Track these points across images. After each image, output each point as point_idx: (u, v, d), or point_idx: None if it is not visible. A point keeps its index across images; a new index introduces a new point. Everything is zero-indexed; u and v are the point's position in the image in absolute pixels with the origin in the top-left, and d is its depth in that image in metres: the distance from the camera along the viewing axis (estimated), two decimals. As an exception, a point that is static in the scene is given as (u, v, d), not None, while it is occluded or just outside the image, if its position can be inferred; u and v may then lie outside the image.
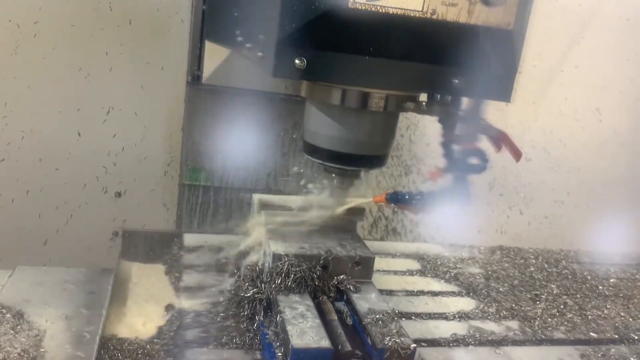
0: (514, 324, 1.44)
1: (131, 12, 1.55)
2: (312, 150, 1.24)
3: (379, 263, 1.63)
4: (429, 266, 1.71)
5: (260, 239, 1.40)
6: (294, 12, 0.95)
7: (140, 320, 1.27)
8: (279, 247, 1.25)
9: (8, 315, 1.17)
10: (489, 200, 2.10)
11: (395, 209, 1.96)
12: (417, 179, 1.98)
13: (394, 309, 1.20)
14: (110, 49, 1.57)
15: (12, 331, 1.12)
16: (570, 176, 2.17)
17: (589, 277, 1.80)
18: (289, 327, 1.06)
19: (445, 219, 2.06)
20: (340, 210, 1.38)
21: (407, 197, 1.30)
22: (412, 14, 0.98)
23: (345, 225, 1.41)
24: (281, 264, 1.22)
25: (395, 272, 1.64)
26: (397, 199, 1.32)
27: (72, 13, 1.52)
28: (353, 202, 1.40)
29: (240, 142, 1.69)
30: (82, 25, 1.53)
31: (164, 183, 1.70)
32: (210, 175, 1.70)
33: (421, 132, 1.92)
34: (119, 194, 1.69)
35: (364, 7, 0.96)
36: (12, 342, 1.08)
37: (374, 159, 1.23)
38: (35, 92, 1.56)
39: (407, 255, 1.77)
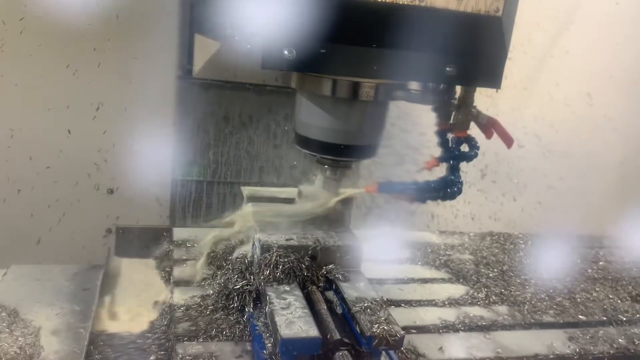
0: (503, 309, 1.44)
1: (117, 6, 1.54)
2: (304, 142, 1.24)
3: (369, 252, 1.63)
4: (419, 254, 1.71)
5: (243, 229, 1.40)
6: (282, 3, 0.95)
7: (131, 315, 1.26)
8: (267, 238, 1.25)
9: (3, 314, 1.17)
10: (482, 187, 2.10)
11: (389, 199, 1.96)
12: (411, 169, 1.98)
13: (382, 296, 1.19)
14: (97, 45, 1.55)
15: (7, 329, 1.12)
16: (563, 162, 2.18)
17: (578, 261, 1.80)
18: (277, 318, 1.06)
19: (438, 207, 2.08)
20: (333, 201, 1.38)
21: (399, 186, 1.30)
22: (401, 2, 0.98)
23: (333, 215, 1.41)
24: (269, 255, 1.21)
25: (385, 261, 1.64)
26: (389, 189, 1.32)
27: (58, 9, 1.50)
28: (346, 192, 1.39)
29: (232, 135, 1.69)
30: (69, 21, 1.52)
31: (157, 179, 1.70)
32: (203, 169, 1.69)
33: (413, 122, 1.92)
34: (111, 191, 1.68)
35: (351, -4, 0.96)
36: (9, 340, 1.08)
37: (365, 149, 1.23)
38: (23, 90, 1.55)
39: (397, 244, 1.77)
